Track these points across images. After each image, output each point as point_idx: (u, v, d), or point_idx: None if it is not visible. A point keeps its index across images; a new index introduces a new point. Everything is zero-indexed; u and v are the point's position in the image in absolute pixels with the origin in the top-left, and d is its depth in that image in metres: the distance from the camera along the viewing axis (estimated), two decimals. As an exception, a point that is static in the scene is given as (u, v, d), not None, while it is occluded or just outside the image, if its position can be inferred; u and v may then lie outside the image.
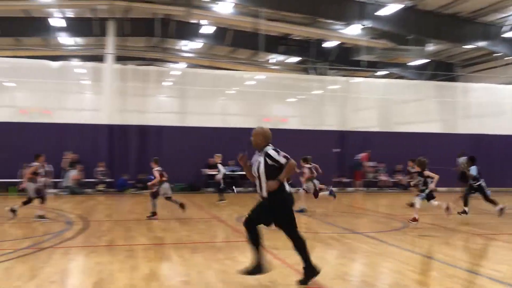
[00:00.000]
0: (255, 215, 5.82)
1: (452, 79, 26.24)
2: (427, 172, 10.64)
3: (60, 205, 14.04)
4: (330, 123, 22.03)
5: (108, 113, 19.18)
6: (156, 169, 11.54)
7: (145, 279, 6.12)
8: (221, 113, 21.45)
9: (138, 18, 24.09)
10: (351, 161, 20.79)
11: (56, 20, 23.27)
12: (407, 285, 6.02)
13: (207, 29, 25.17)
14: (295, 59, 29.66)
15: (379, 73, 29.64)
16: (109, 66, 20.76)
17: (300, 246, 5.80)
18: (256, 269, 5.81)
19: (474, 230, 10.34)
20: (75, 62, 27.04)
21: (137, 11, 22.69)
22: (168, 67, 29.53)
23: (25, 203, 11.13)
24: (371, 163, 21.25)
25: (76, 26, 24.65)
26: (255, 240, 5.79)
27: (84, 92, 20.61)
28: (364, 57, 24.44)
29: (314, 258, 7.06)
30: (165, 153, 18.38)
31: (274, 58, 30.25)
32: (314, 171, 13.13)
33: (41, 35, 25.66)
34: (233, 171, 19.00)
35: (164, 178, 11.59)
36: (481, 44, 22.61)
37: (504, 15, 20.86)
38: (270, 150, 5.80)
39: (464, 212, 12.02)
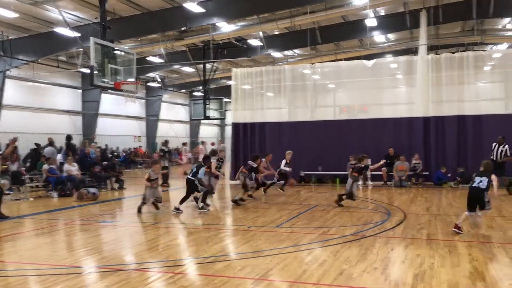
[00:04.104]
0: None
1: None
2: None
3: (379, 197, 14.70)
4: None
5: (423, 105, 18.87)
6: None
7: (469, 278, 5.74)
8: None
9: (451, 3, 22.80)
10: None
11: (370, 20, 24.41)
12: None
13: (535, -1, 21.63)
14: None
15: None
16: (422, 57, 20.39)
17: None
18: None
19: None
20: (388, 58, 27.75)
21: (450, -4, 21.53)
22: (488, 50, 26.86)
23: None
24: None
25: (388, 22, 25.27)
26: None
27: (398, 86, 20.88)
28: None
29: None
30: (485, 144, 16.81)
31: None
32: None
33: (357, 37, 27.44)
34: None
35: None
36: None
37: None
38: None
39: None
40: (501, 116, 17.56)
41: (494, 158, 14.64)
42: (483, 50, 25.07)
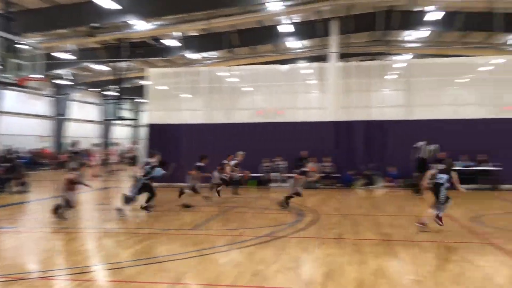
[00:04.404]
0: None
1: None
2: None
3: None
4: None
5: (334, 110, 19.78)
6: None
7: (374, 274, 6.10)
8: (451, 104, 19.83)
9: (360, 14, 24.15)
10: None
11: (284, 27, 25.12)
12: None
13: (434, 15, 23.59)
14: (543, 36, 25.42)
15: None
16: (333, 64, 21.37)
17: None
18: None
19: None
20: (301, 64, 28.72)
21: (360, 7, 22.78)
22: (392, 60, 28.76)
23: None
24: None
25: (302, 29, 26.17)
26: None
27: (311, 92, 21.68)
28: None
29: None
30: (390, 148, 18.10)
31: (514, 38, 26.51)
32: None
33: (272, 42, 28.09)
34: (467, 166, 17.42)
35: None
36: None
37: None
38: None
39: None
40: (403, 122, 18.91)
41: (423, 156, 15.86)
42: (388, 60, 26.84)
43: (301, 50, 30.20)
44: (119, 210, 11.20)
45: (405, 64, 23.76)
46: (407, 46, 29.40)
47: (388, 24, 23.94)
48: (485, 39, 26.39)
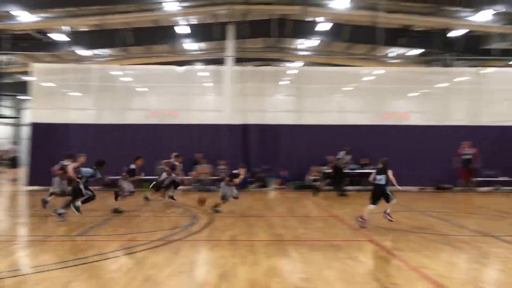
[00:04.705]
0: None
1: None
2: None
3: (187, 201, 14.97)
4: (458, 118, 20.49)
5: (229, 113, 20.01)
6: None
7: (266, 274, 6.25)
8: (338, 111, 21.13)
9: (256, 20, 24.78)
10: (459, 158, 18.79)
11: (181, 28, 24.89)
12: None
13: (323, 26, 25.00)
14: (417, 51, 28.14)
15: (514, 61, 26.83)
16: (229, 68, 21.64)
17: None
18: None
19: None
20: (198, 66, 28.66)
21: (255, 13, 23.36)
22: (285, 66, 29.90)
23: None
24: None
25: (199, 32, 26.13)
26: None
27: (208, 94, 21.73)
28: (496, 45, 22.29)
29: (442, 262, 6.64)
30: (282, 151, 18.80)
31: (394, 51, 29.02)
32: None
33: (168, 43, 27.66)
34: (352, 169, 18.66)
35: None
36: None
37: None
38: None
39: None
40: (295, 126, 19.74)
41: (336, 163, 16.93)
42: (282, 66, 27.86)
43: (198, 53, 30.15)
44: (61, 213, 10.56)
45: (296, 71, 24.85)
46: (299, 53, 30.78)
47: (282, 31, 24.86)
48: (368, 51, 28.55)
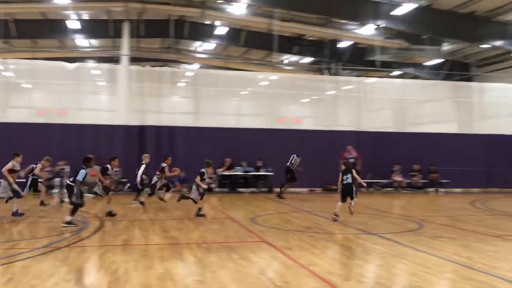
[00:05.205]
0: None
1: (468, 79, 25.88)
2: None
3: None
4: (344, 123, 21.96)
5: (124, 114, 19.35)
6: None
7: (160, 278, 6.17)
8: (234, 114, 21.50)
9: (153, 20, 24.29)
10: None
11: (72, 22, 23.56)
12: (422, 287, 5.97)
13: (221, 30, 25.27)
14: (309, 59, 29.61)
15: (394, 73, 29.40)
16: (124, 67, 20.94)
17: None
18: None
19: (491, 232, 10.21)
20: (90, 64, 27.32)
21: (152, 13, 22.88)
22: (182, 68, 29.69)
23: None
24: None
25: (92, 28, 24.95)
26: None
27: (100, 93, 20.82)
28: (379, 57, 24.27)
29: (329, 259, 7.06)
30: (179, 153, 18.55)
31: (287, 58, 30.23)
32: None
33: (57, 37, 26.02)
34: (246, 171, 19.09)
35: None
36: (498, 43, 22.32)
37: (521, 14, 20.58)
38: None
39: None
40: (192, 129, 19.69)
41: (289, 166, 17.49)
42: (179, 68, 27.63)
43: (90, 49, 28.73)
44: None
45: (193, 73, 24.83)
46: (197, 56, 30.77)
47: (179, 33, 24.66)
48: (264, 57, 29.42)
